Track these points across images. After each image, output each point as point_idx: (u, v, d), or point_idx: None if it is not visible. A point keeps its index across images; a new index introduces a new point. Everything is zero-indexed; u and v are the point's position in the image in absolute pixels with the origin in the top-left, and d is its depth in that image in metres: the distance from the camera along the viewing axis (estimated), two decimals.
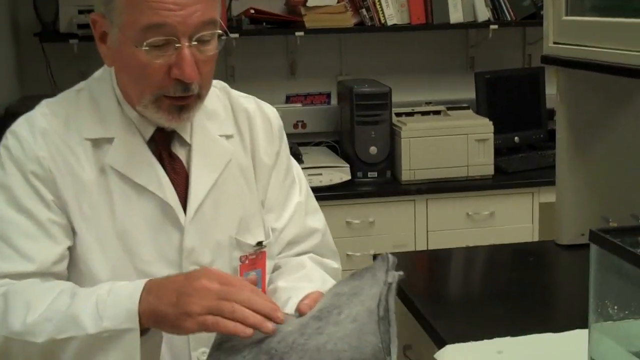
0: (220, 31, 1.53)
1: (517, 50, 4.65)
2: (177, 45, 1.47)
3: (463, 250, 2.64)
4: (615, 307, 1.35)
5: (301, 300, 1.44)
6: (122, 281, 1.46)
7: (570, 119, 2.45)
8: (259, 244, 1.66)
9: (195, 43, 1.48)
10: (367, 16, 4.16)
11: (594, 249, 1.36)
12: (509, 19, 4.31)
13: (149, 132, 1.59)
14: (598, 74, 2.15)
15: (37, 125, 1.56)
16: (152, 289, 1.40)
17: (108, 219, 1.55)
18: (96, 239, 1.54)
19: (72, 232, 1.55)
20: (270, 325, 1.32)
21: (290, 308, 1.50)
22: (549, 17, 2.37)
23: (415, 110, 4.23)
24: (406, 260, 2.60)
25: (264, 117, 1.74)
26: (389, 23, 4.19)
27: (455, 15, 4.24)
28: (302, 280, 1.65)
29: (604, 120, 2.46)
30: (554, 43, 2.35)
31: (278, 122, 1.77)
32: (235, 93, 1.76)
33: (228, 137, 1.68)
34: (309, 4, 4.10)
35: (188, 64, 1.47)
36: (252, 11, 4.10)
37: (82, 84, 1.65)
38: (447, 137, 3.97)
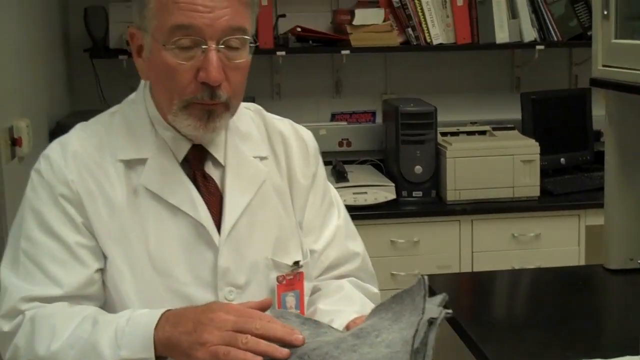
0: (248, 37, 1.53)
1: (563, 70, 4.63)
2: (203, 47, 1.48)
3: (509, 273, 2.63)
4: None
5: (352, 321, 1.44)
6: (144, 309, 1.46)
7: (619, 142, 2.43)
8: (296, 263, 1.65)
9: (223, 47, 1.49)
10: (413, 35, 4.16)
11: None
12: (556, 39, 4.28)
13: (183, 152, 1.60)
14: None
15: (69, 149, 1.57)
16: (170, 317, 1.40)
17: (140, 240, 1.55)
18: (127, 262, 1.54)
19: (103, 256, 1.55)
20: (284, 352, 1.31)
21: None
22: (598, 40, 2.36)
23: (460, 130, 4.22)
24: (451, 282, 2.60)
25: (299, 139, 1.74)
26: (435, 42, 4.18)
27: (501, 35, 4.21)
28: (342, 302, 1.65)
29: None
30: (603, 66, 2.33)
31: (313, 144, 1.77)
32: (269, 115, 1.76)
33: (262, 158, 1.68)
34: (355, 22, 4.11)
35: (214, 66, 1.47)
36: (299, 29, 4.12)
37: (115, 107, 1.67)
38: (493, 157, 3.96)
